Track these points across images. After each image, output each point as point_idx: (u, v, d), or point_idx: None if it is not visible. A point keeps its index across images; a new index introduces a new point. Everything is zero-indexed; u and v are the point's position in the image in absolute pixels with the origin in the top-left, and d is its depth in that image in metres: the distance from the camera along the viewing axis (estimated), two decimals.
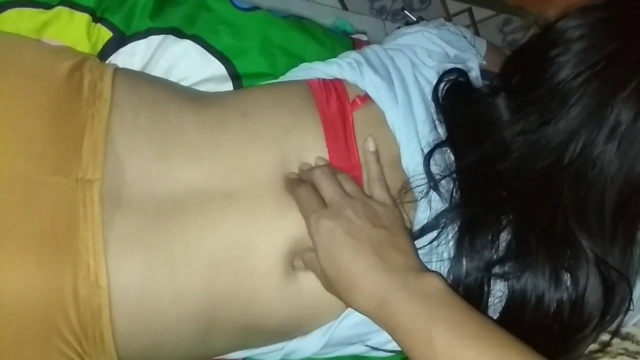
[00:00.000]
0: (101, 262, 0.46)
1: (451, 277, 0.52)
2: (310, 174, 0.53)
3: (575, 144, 0.52)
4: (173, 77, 0.66)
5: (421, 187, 0.54)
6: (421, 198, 0.53)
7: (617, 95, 0.51)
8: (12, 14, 0.60)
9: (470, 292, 0.51)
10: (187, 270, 0.50)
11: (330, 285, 0.49)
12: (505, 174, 0.54)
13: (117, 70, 0.56)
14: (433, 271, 0.49)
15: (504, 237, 0.53)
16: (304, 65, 0.67)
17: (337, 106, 0.59)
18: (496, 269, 0.52)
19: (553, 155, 0.53)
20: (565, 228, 0.51)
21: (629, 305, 0.53)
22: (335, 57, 0.67)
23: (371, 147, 0.56)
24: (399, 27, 1.12)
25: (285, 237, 0.53)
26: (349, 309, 0.52)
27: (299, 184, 0.53)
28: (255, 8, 0.71)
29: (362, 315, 0.51)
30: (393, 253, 0.48)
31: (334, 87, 0.61)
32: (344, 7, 1.15)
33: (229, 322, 0.52)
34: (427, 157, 0.55)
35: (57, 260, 0.46)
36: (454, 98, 0.59)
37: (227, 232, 0.51)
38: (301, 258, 0.52)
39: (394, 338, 0.46)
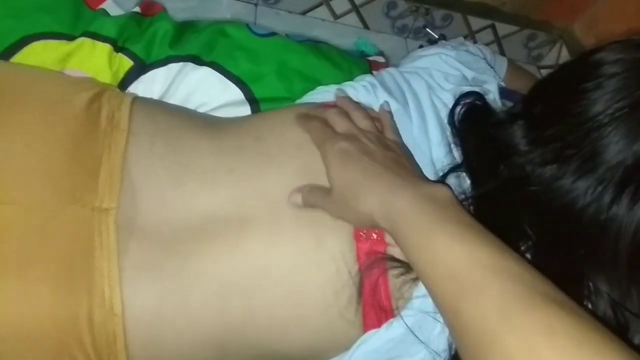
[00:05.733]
0: (116, 290, 0.47)
1: None
2: (324, 113, 0.56)
3: (590, 188, 0.50)
4: (192, 103, 0.67)
5: None
6: None
7: (638, 143, 0.49)
8: (38, 46, 0.62)
9: None
10: (200, 296, 0.50)
11: (337, 202, 0.50)
12: (523, 205, 0.53)
13: (134, 99, 0.58)
14: (444, 183, 0.49)
15: None
16: (320, 88, 0.68)
17: None
18: None
19: (567, 196, 0.51)
20: (582, 266, 0.50)
21: None
22: (351, 79, 0.68)
23: (386, 107, 0.60)
24: (420, 45, 1.13)
25: (303, 261, 0.52)
26: (362, 337, 0.52)
27: (312, 119, 0.56)
28: (272, 34, 0.72)
29: (376, 342, 0.51)
30: (404, 171, 0.49)
31: None
32: (366, 27, 1.15)
33: (243, 349, 0.52)
34: (440, 181, 0.54)
35: (73, 288, 0.46)
36: (470, 122, 0.59)
37: (242, 258, 0.51)
38: (301, 192, 0.52)
39: (395, 235, 0.45)
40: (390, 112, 0.59)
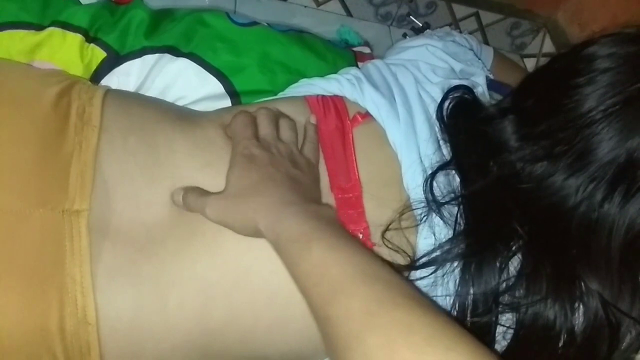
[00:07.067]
0: (89, 297, 0.45)
1: (457, 306, 0.49)
2: (256, 111, 0.56)
3: (581, 186, 0.49)
4: (169, 97, 0.64)
5: (422, 211, 0.51)
6: (421, 222, 0.51)
7: (632, 140, 0.48)
8: (4, 35, 0.59)
9: (477, 324, 0.49)
10: (179, 299, 0.48)
11: (225, 203, 0.48)
12: (514, 203, 0.51)
13: (107, 92, 0.55)
14: (329, 205, 0.51)
15: (514, 263, 0.50)
16: (303, 81, 0.65)
17: (335, 123, 0.58)
18: (505, 299, 0.49)
19: (559, 194, 0.50)
20: (574, 265, 0.49)
21: None
22: (336, 71, 0.66)
23: (312, 120, 0.58)
24: (404, 34, 1.11)
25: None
26: None
27: (242, 113, 0.55)
28: (254, 23, 0.69)
29: None
30: (302, 188, 0.49)
31: (333, 103, 0.60)
32: (349, 14, 1.12)
33: (226, 354, 0.50)
34: (429, 180, 0.52)
35: (43, 296, 0.44)
36: (459, 117, 0.57)
37: (222, 256, 0.49)
38: (183, 191, 0.50)
39: (277, 247, 0.45)
40: (315, 126, 0.58)
